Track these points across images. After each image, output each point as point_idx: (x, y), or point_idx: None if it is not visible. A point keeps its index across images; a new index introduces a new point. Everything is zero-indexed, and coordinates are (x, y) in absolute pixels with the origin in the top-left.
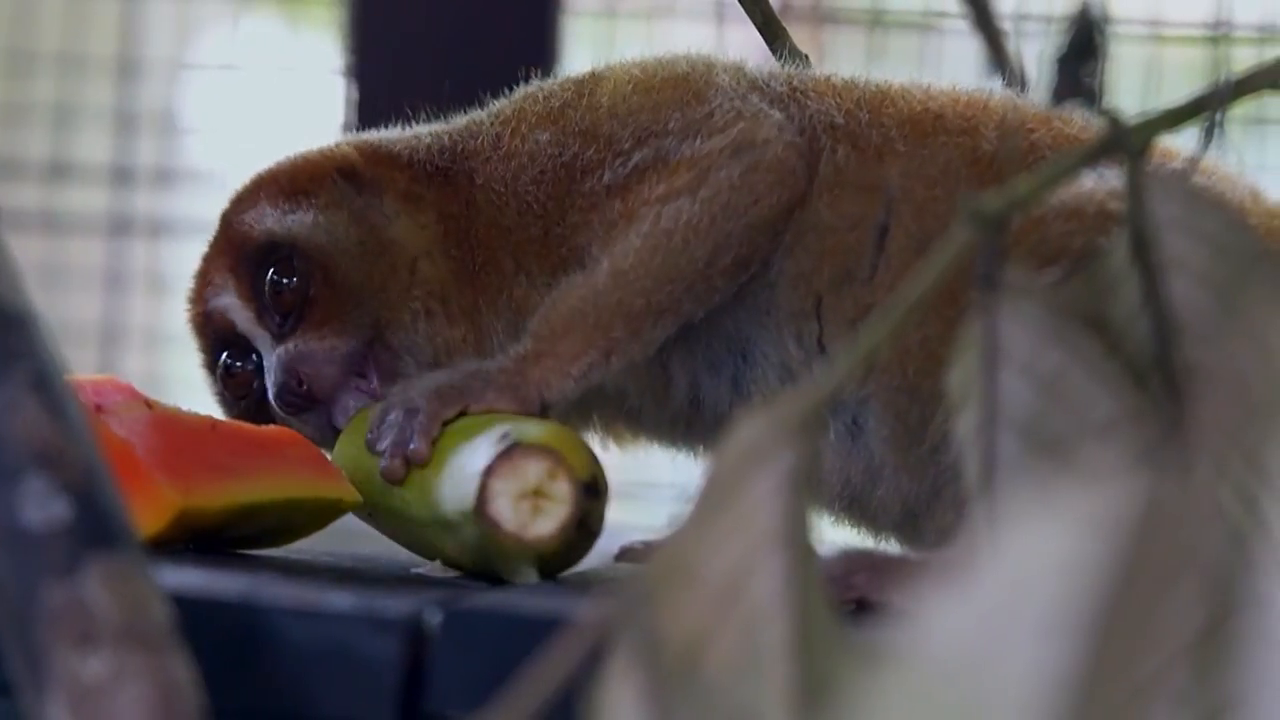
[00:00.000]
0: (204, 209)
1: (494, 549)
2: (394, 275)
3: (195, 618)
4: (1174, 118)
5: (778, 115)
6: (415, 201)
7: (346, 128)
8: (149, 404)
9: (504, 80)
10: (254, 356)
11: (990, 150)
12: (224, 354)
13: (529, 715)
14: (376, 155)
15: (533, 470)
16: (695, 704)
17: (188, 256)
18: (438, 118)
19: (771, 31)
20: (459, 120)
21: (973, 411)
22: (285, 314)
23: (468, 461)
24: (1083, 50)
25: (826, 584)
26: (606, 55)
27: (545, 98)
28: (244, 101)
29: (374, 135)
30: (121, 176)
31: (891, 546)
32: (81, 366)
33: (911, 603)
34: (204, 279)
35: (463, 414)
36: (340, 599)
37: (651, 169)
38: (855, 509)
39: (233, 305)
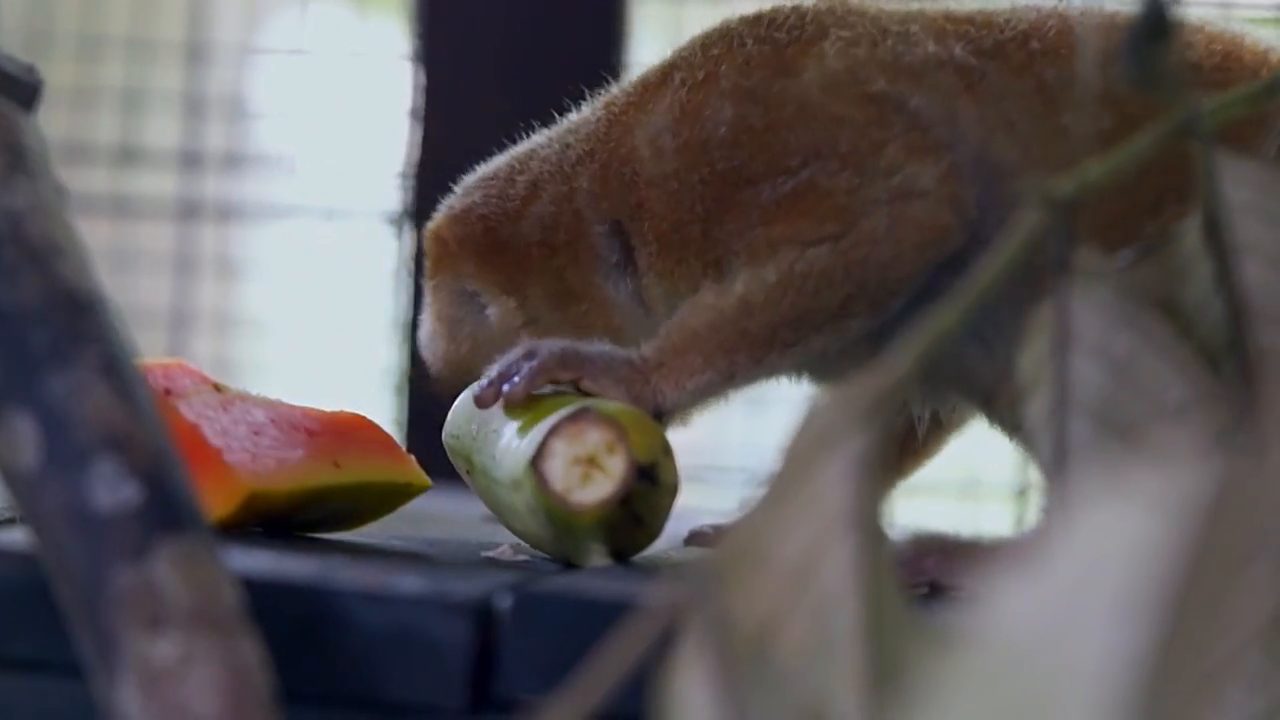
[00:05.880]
0: (272, 194)
1: (543, 511)
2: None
3: (265, 601)
4: (1246, 100)
5: (951, 158)
6: (515, 287)
7: (414, 113)
8: (218, 388)
9: (573, 67)
10: None
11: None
12: None
13: (599, 699)
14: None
15: (593, 438)
16: (766, 688)
17: (256, 241)
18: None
19: None
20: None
21: (1044, 395)
22: None
23: (546, 423)
24: (1154, 32)
25: (897, 568)
26: (675, 39)
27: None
28: (313, 87)
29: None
30: (190, 161)
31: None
32: (151, 350)
33: (982, 586)
34: None
35: (575, 386)
36: (410, 582)
37: (804, 199)
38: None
39: None
